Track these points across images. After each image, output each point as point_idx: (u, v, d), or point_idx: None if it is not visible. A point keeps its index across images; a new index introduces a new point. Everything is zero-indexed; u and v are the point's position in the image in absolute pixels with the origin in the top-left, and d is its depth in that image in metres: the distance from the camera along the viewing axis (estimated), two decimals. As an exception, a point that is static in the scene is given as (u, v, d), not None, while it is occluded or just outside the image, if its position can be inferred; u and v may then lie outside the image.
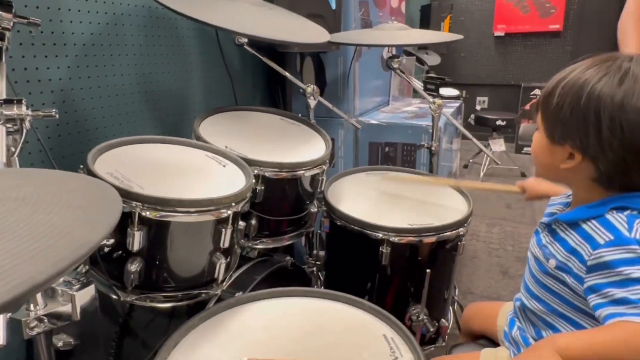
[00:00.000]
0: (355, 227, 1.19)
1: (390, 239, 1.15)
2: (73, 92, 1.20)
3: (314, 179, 1.21)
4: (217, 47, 1.58)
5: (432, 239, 1.18)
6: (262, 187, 1.10)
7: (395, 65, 1.61)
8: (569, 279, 0.76)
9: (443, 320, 1.33)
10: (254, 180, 0.97)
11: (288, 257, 1.30)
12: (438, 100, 1.62)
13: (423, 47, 3.84)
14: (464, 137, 4.37)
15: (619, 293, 0.66)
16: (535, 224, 0.95)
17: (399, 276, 1.23)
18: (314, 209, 1.29)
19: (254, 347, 0.78)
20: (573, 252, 0.76)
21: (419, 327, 1.24)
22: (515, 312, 0.98)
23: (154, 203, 0.79)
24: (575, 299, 0.77)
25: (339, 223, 1.24)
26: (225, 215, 0.85)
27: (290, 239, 1.26)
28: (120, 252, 0.84)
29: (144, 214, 0.79)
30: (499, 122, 3.73)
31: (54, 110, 0.71)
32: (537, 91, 4.45)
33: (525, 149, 4.57)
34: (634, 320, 0.63)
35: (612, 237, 0.70)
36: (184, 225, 0.84)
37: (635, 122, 0.68)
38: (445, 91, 3.89)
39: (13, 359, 1.09)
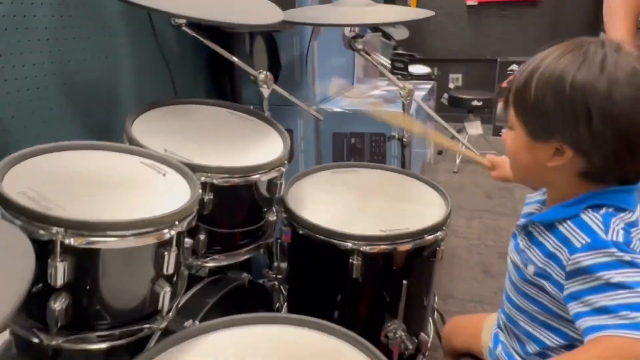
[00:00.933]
0: (321, 237, 1.17)
1: (361, 249, 1.14)
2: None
3: (271, 183, 1.18)
4: (150, 29, 1.51)
5: (408, 246, 1.18)
6: (211, 197, 1.07)
7: (360, 46, 1.60)
8: (548, 286, 0.80)
9: (422, 334, 1.34)
10: (200, 191, 0.93)
11: (245, 274, 1.27)
12: (408, 85, 1.62)
13: (389, 20, 3.85)
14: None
15: (600, 300, 0.69)
16: (518, 215, 0.97)
17: (372, 289, 1.23)
18: (272, 217, 1.26)
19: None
20: (551, 256, 0.79)
21: (397, 345, 1.25)
22: (499, 326, 1.00)
23: (80, 228, 0.75)
24: (555, 306, 0.80)
25: (301, 232, 1.22)
26: (168, 236, 0.82)
27: (247, 253, 1.24)
28: (40, 286, 0.79)
29: (67, 241, 0.74)
30: (475, 103, 3.81)
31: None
32: (514, 66, 4.57)
33: (503, 130, 4.70)
34: (613, 334, 0.66)
35: (588, 240, 0.73)
36: (119, 252, 0.79)
37: (625, 111, 0.70)
38: (415, 69, 3.92)
39: None
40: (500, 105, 4.54)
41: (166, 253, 0.84)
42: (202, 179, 1.04)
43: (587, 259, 0.72)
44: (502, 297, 0.99)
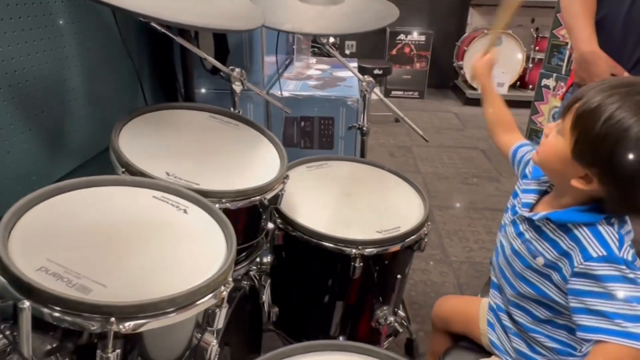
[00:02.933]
0: (322, 242, 1.06)
1: (364, 253, 1.06)
2: None
3: (274, 198, 1.02)
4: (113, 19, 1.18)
5: (399, 246, 1.11)
6: (225, 222, 0.88)
7: (324, 40, 1.43)
8: (555, 276, 0.78)
9: (399, 311, 1.31)
10: (232, 229, 0.76)
11: (243, 282, 1.12)
12: (368, 77, 1.51)
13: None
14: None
15: (598, 305, 0.70)
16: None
17: (368, 285, 1.15)
18: (270, 226, 1.11)
19: None
20: (565, 254, 0.76)
21: (386, 329, 1.21)
22: (494, 314, 0.99)
23: (134, 312, 0.55)
24: (553, 293, 0.80)
25: (294, 234, 1.09)
26: (225, 294, 0.65)
27: (246, 266, 1.08)
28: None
29: (122, 327, 0.55)
30: (376, 71, 3.77)
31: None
32: (402, 36, 4.59)
33: (393, 92, 4.77)
34: (610, 341, 0.68)
35: (604, 253, 0.71)
36: (172, 326, 0.61)
37: None
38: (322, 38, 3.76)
39: None
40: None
41: (217, 310, 0.67)
42: (217, 205, 0.85)
43: (599, 269, 0.71)
44: (494, 278, 0.97)
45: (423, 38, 4.55)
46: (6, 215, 0.62)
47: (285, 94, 1.80)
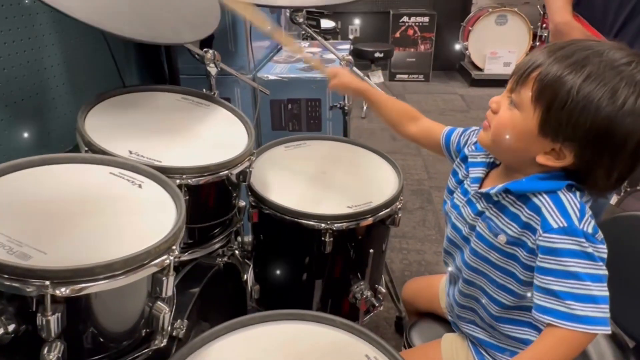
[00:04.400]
0: (293, 219, 1.07)
1: (333, 228, 1.06)
2: None
3: (241, 174, 1.04)
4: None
5: (371, 220, 1.12)
6: (186, 197, 0.90)
7: (300, 20, 1.42)
8: (521, 253, 0.75)
9: (379, 287, 1.32)
10: (184, 201, 0.78)
11: (218, 259, 1.14)
12: (347, 57, 1.50)
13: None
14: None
15: (552, 283, 0.67)
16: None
17: (341, 260, 1.16)
18: (242, 203, 1.13)
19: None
20: (526, 226, 0.73)
21: (363, 303, 1.22)
22: (451, 303, 0.96)
23: (70, 276, 0.58)
24: (521, 273, 0.76)
25: (266, 212, 1.11)
26: (168, 262, 0.67)
27: (220, 242, 1.10)
28: (30, 340, 0.62)
29: (57, 292, 0.57)
30: (377, 54, 3.74)
31: None
32: (405, 18, 4.53)
33: (397, 76, 4.73)
34: (558, 325, 0.66)
35: (564, 224, 0.68)
36: (114, 290, 0.64)
37: None
38: (323, 24, 3.74)
39: None
40: (395, 53, 4.52)
41: (164, 278, 0.69)
42: (177, 181, 0.87)
43: (558, 242, 0.68)
44: (450, 259, 0.93)
45: (426, 19, 4.49)
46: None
47: (272, 77, 1.81)
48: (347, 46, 2.39)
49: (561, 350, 0.66)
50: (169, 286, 0.70)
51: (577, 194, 0.72)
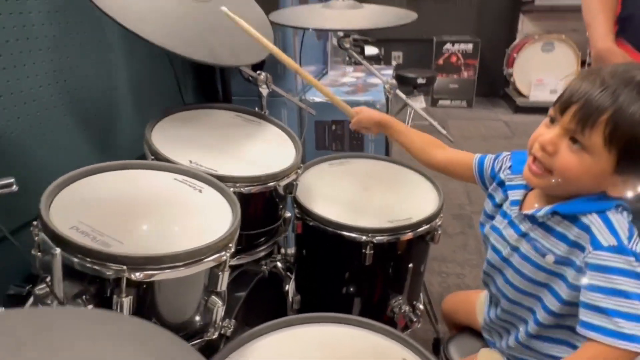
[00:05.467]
0: (336, 230, 1.13)
1: (374, 241, 1.12)
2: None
3: (288, 185, 1.12)
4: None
5: (412, 235, 1.16)
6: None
7: (347, 45, 1.52)
8: (569, 272, 0.76)
9: (417, 303, 1.35)
10: (239, 208, 0.86)
11: (263, 267, 1.22)
12: (391, 81, 1.57)
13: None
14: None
15: (600, 300, 0.68)
16: None
17: (380, 273, 1.21)
18: (288, 214, 1.20)
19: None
20: (575, 245, 0.75)
21: (401, 318, 1.26)
22: (488, 322, 0.98)
23: (143, 263, 0.66)
24: (565, 293, 0.77)
25: (312, 224, 1.17)
26: (225, 258, 0.75)
27: (265, 250, 1.18)
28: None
29: (132, 276, 0.66)
30: (419, 80, 3.80)
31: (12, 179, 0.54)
32: (448, 45, 4.59)
33: (440, 102, 4.76)
34: (602, 341, 0.67)
35: (615, 243, 0.70)
36: (178, 280, 0.72)
37: None
38: (366, 50, 3.85)
39: None
40: (437, 79, 4.57)
41: (220, 273, 0.77)
42: (231, 189, 0.96)
43: (609, 260, 0.69)
44: (490, 281, 0.94)
45: (470, 46, 4.53)
46: (49, 187, 0.75)
47: (318, 99, 1.90)
48: (389, 71, 2.48)
49: None
50: (224, 281, 0.78)
51: (625, 213, 0.74)
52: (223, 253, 0.74)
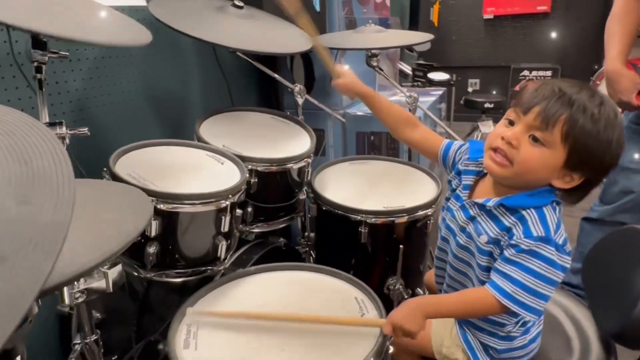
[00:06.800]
0: (338, 212, 1.39)
1: (368, 221, 1.35)
2: (88, 101, 1.40)
3: (300, 171, 1.40)
4: (213, 54, 1.76)
5: (404, 219, 1.38)
6: (256, 180, 1.30)
7: (374, 64, 1.79)
8: (495, 250, 0.90)
9: (418, 289, 1.53)
10: (247, 176, 1.17)
11: (281, 239, 1.51)
12: (414, 94, 1.80)
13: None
14: (454, 119, 4.49)
15: (514, 273, 0.84)
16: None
17: (376, 252, 1.42)
18: (302, 196, 1.48)
19: (253, 309, 0.98)
20: (507, 230, 0.88)
21: (396, 295, 1.45)
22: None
23: (166, 197, 0.99)
24: (489, 262, 0.91)
25: (324, 208, 1.43)
26: (224, 205, 1.06)
27: (283, 222, 1.47)
28: (140, 239, 1.04)
29: (159, 206, 0.99)
30: (487, 105, 3.89)
31: (85, 128, 0.91)
32: (526, 72, 4.60)
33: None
34: (494, 295, 0.84)
35: (543, 234, 0.84)
36: (191, 215, 1.04)
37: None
38: (435, 75, 4.04)
39: (49, 334, 1.31)
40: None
41: (223, 217, 1.08)
42: (250, 166, 1.27)
43: (534, 247, 0.84)
44: (442, 260, 1.09)
45: (549, 73, 4.50)
46: (116, 152, 1.13)
47: (359, 113, 2.18)
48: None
49: (476, 307, 0.88)
50: (226, 224, 1.08)
51: (557, 208, 0.88)
52: (224, 201, 1.05)
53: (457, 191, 1.03)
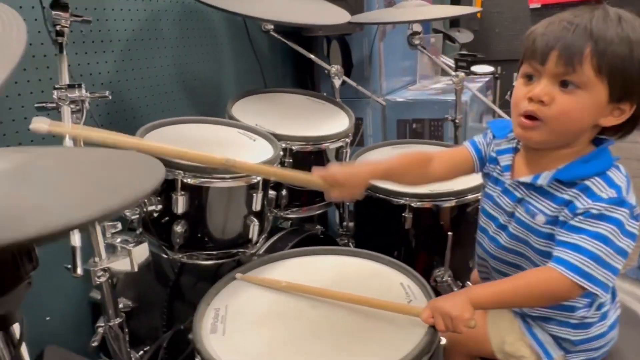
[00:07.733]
0: (380, 195, 1.28)
1: (412, 205, 1.24)
2: (120, 83, 1.36)
3: (338, 151, 1.31)
4: (246, 35, 1.70)
5: (452, 203, 1.26)
6: (291, 160, 1.22)
7: (417, 42, 1.68)
8: (557, 230, 0.77)
9: (468, 283, 1.40)
10: (281, 152, 1.08)
11: (318, 227, 1.41)
12: (461, 74, 1.68)
13: (455, 25, 3.82)
14: (498, 115, 4.27)
15: (583, 241, 0.71)
16: None
17: (422, 240, 1.31)
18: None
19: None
20: (566, 203, 0.76)
21: (444, 289, 1.33)
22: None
23: (194, 171, 0.92)
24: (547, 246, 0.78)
25: (366, 193, 1.33)
26: (255, 181, 0.97)
27: (319, 208, 1.38)
28: (167, 217, 0.98)
29: (185, 180, 0.92)
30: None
31: (107, 91, 0.85)
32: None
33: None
34: (562, 273, 0.71)
35: (615, 196, 0.72)
36: (220, 190, 0.96)
37: None
38: (479, 68, 3.86)
39: (81, 321, 1.28)
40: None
41: (254, 194, 1.00)
42: (283, 145, 1.19)
43: (604, 210, 0.72)
44: (484, 252, 0.94)
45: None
46: (144, 126, 1.07)
47: (399, 99, 2.07)
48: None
49: (536, 290, 0.75)
50: (257, 202, 1.00)
51: (621, 167, 0.76)
52: (254, 177, 0.97)
53: (495, 175, 0.89)
